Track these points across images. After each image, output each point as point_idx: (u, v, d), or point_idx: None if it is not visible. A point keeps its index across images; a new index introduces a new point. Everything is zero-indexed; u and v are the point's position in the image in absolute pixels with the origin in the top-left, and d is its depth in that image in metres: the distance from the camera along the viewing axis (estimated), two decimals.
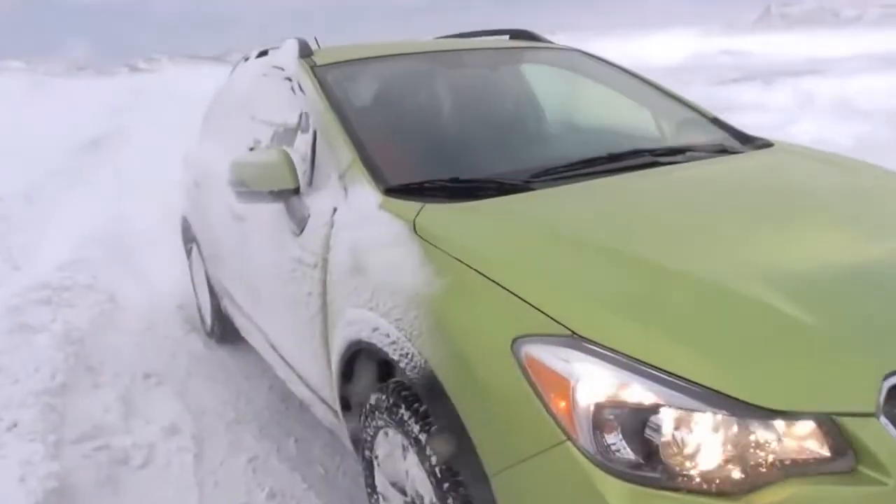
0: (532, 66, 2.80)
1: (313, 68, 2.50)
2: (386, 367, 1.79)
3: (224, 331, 3.79)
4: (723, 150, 2.28)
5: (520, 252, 1.51)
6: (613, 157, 2.09)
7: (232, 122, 3.29)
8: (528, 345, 1.28)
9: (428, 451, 1.49)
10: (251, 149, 2.87)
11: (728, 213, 1.73)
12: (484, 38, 3.19)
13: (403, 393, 1.61)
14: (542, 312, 1.30)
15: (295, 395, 3.08)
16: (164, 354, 3.80)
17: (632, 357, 1.21)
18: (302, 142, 2.36)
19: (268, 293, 2.53)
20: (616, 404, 1.18)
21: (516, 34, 3.17)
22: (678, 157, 2.14)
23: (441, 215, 1.71)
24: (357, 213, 1.89)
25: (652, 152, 2.15)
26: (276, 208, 2.35)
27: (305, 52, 2.66)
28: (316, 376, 2.24)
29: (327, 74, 2.46)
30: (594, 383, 1.20)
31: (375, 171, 1.96)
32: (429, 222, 1.67)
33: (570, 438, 1.19)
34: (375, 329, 1.63)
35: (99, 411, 3.04)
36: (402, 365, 1.52)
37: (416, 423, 1.53)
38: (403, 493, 1.74)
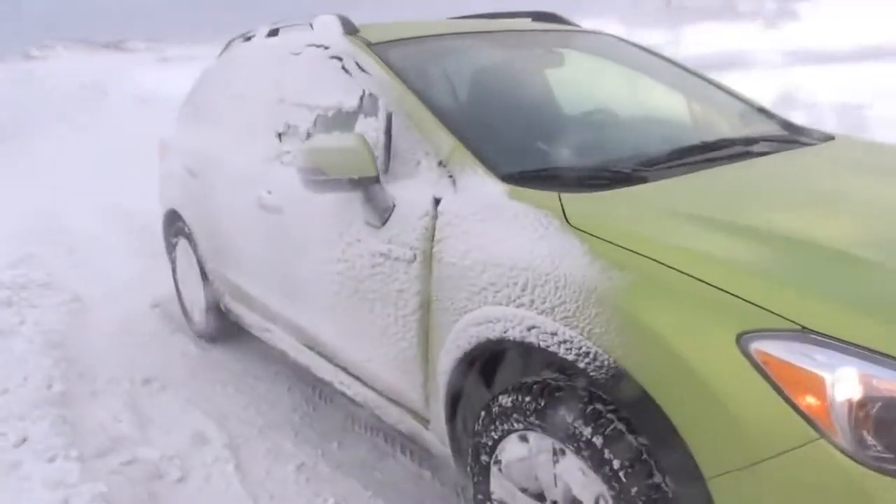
0: (579, 51, 2.74)
1: (370, 46, 2.34)
2: (522, 367, 1.69)
3: (219, 330, 3.55)
4: (794, 141, 2.29)
5: (699, 244, 1.44)
6: (708, 147, 2.06)
7: (240, 105, 3.05)
8: (757, 341, 1.21)
9: (606, 455, 1.41)
10: (280, 134, 2.67)
11: (857, 198, 1.73)
12: (510, 19, 3.09)
13: (559, 394, 1.52)
14: (763, 308, 1.24)
15: (326, 397, 2.94)
16: (156, 356, 3.51)
17: (868, 348, 1.18)
18: (367, 126, 2.20)
19: (321, 290, 2.35)
20: (871, 398, 1.14)
21: (540, 16, 3.09)
22: (764, 147, 2.13)
23: (587, 205, 1.62)
24: (476, 203, 1.76)
25: (739, 141, 2.14)
26: (337, 199, 2.19)
27: (350, 28, 2.49)
28: (394, 377, 2.10)
29: (389, 53, 2.30)
30: (847, 378, 1.15)
31: (484, 157, 1.84)
32: (579, 212, 1.57)
33: (823, 436, 1.14)
34: (533, 328, 1.52)
35: (109, 421, 2.76)
36: (581, 365, 1.43)
37: (587, 424, 1.45)
38: (539, 498, 1.65)
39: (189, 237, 3.52)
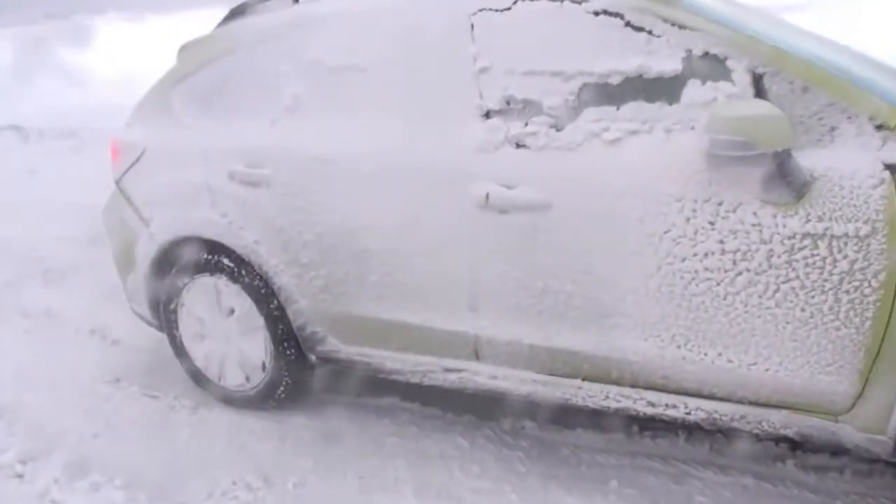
0: None
1: None
2: None
3: (284, 389, 2.70)
4: None
5: None
6: None
7: (356, 83, 2.31)
8: None
9: None
10: (493, 112, 2.10)
11: None
12: None
13: None
14: None
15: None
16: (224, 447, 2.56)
17: None
18: (707, 92, 1.85)
19: (652, 298, 1.93)
20: None
21: None
22: None
23: None
24: None
25: None
26: (693, 178, 1.82)
27: None
28: (805, 373, 1.83)
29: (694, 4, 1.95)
30: None
31: None
32: None
33: None
34: None
35: None
36: None
37: None
38: None
39: (238, 272, 2.59)
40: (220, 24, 2.79)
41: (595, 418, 2.43)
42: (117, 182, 2.89)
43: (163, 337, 3.26)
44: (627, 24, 1.95)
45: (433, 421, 2.62)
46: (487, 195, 2.07)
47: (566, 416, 2.48)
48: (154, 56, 4.87)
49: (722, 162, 1.74)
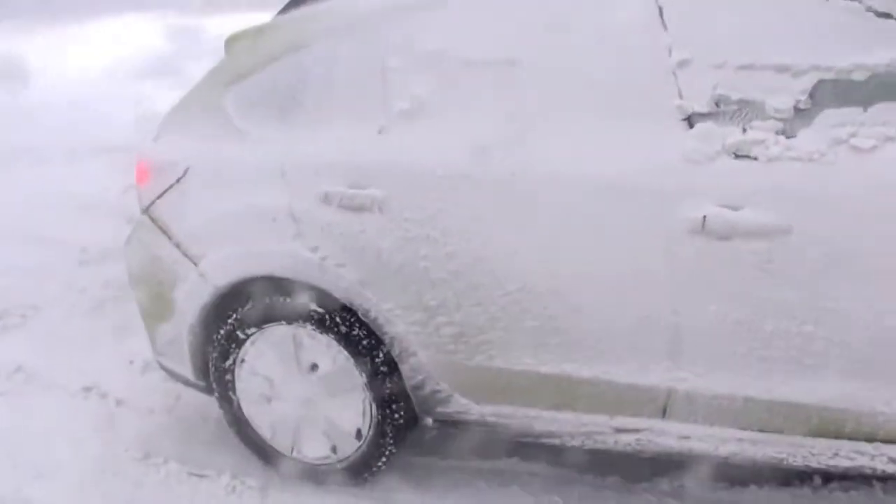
0: None
1: None
2: None
3: (398, 457, 2.18)
4: None
5: None
6: None
7: (505, 79, 1.84)
8: None
9: None
10: (698, 116, 1.69)
11: None
12: None
13: None
14: None
15: None
16: None
17: None
18: None
19: None
20: None
21: None
22: None
23: None
24: None
25: None
26: None
27: None
28: None
29: None
30: None
31: None
32: None
33: None
34: None
35: None
36: None
37: None
38: None
39: (331, 320, 2.05)
40: (282, 11, 2.25)
41: (764, 472, 2.08)
42: (146, 210, 2.29)
43: (182, 393, 2.70)
44: (869, 9, 1.59)
45: (574, 486, 2.18)
46: (704, 218, 1.66)
47: (726, 470, 2.11)
48: None
49: None
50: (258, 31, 2.22)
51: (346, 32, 2.04)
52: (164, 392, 2.82)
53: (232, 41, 2.24)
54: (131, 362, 3.04)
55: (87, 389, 2.93)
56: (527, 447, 2.09)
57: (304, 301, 2.08)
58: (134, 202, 4.30)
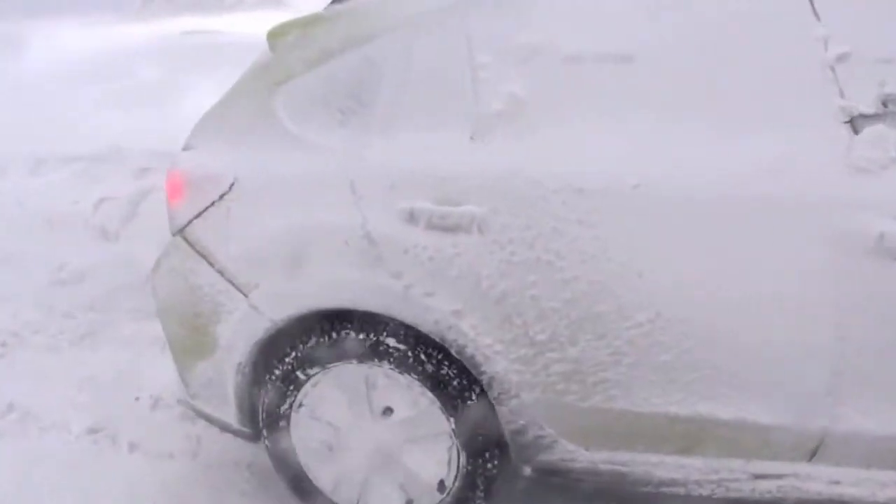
0: None
1: None
2: None
3: None
4: None
5: None
6: None
7: (652, 77, 1.57)
8: None
9: None
10: (859, 119, 1.46)
11: None
12: None
13: None
14: None
15: None
16: None
17: None
18: None
19: None
20: None
21: None
22: None
23: None
24: None
25: None
26: None
27: None
28: None
29: None
30: None
31: None
32: None
33: None
34: None
35: None
36: None
37: None
38: None
39: (414, 358, 1.76)
40: (335, 1, 1.94)
41: None
42: (180, 231, 1.95)
43: (202, 435, 2.40)
44: None
45: None
46: (882, 235, 1.43)
47: None
48: None
49: None
50: (308, 23, 1.91)
51: (421, 23, 1.75)
52: (181, 434, 2.50)
53: (276, 35, 1.92)
54: (137, 399, 2.73)
55: (94, 431, 2.58)
56: (637, 499, 1.83)
57: (383, 336, 1.78)
58: (108, 216, 4.03)
